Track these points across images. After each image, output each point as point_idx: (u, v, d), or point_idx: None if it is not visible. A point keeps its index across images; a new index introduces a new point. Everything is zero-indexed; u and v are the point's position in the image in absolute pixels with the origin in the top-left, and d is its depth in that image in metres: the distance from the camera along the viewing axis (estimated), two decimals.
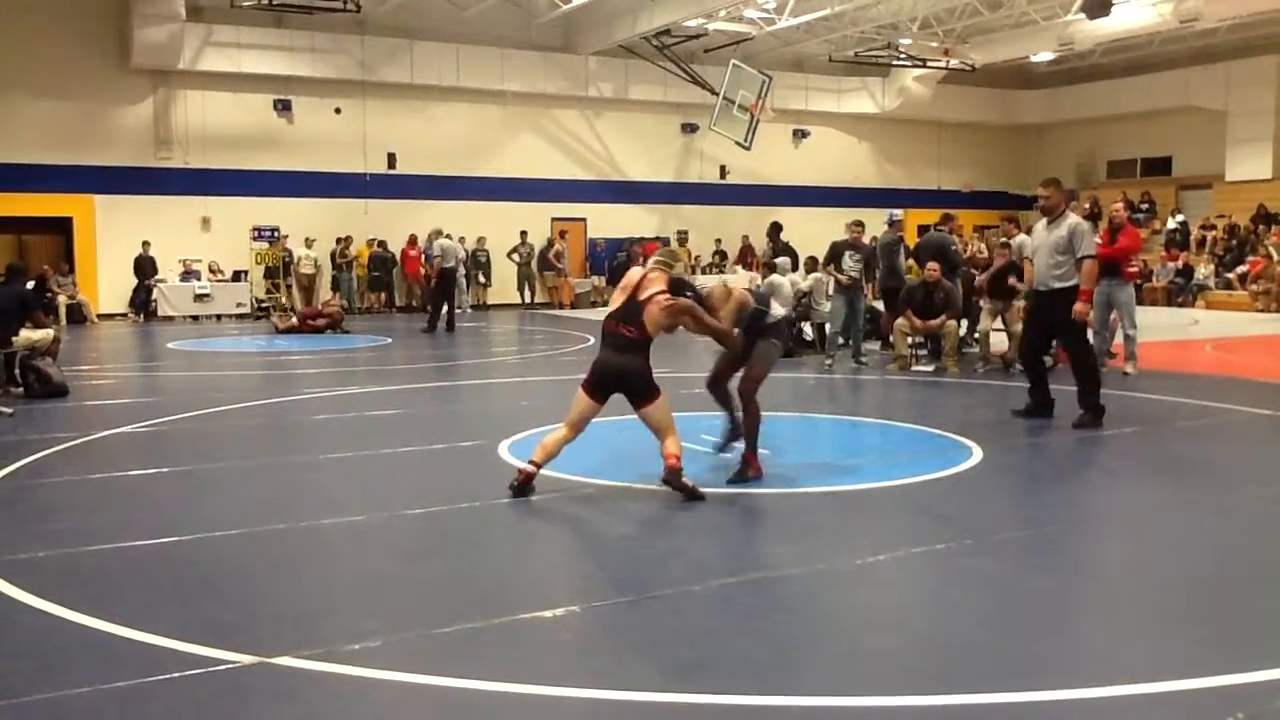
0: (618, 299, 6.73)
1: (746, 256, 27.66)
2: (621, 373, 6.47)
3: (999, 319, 12.57)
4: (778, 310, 7.20)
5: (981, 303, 13.03)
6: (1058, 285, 8.86)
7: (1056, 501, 6.64)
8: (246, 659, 3.96)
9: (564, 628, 4.42)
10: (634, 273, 6.78)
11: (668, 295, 6.51)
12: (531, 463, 6.58)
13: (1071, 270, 8.82)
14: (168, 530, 5.79)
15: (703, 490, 6.44)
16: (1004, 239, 13.28)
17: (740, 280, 12.04)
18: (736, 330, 6.85)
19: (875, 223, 16.34)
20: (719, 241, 28.77)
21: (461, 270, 25.19)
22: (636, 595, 4.78)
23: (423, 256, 24.08)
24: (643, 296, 6.52)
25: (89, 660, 4.02)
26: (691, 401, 9.96)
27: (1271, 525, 6.15)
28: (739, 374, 7.12)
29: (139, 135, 23.27)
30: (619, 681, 3.82)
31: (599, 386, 6.54)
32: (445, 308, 19.39)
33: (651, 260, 6.98)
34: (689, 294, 6.69)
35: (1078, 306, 8.78)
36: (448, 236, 20.93)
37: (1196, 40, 27.52)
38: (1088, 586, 5.01)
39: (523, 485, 6.51)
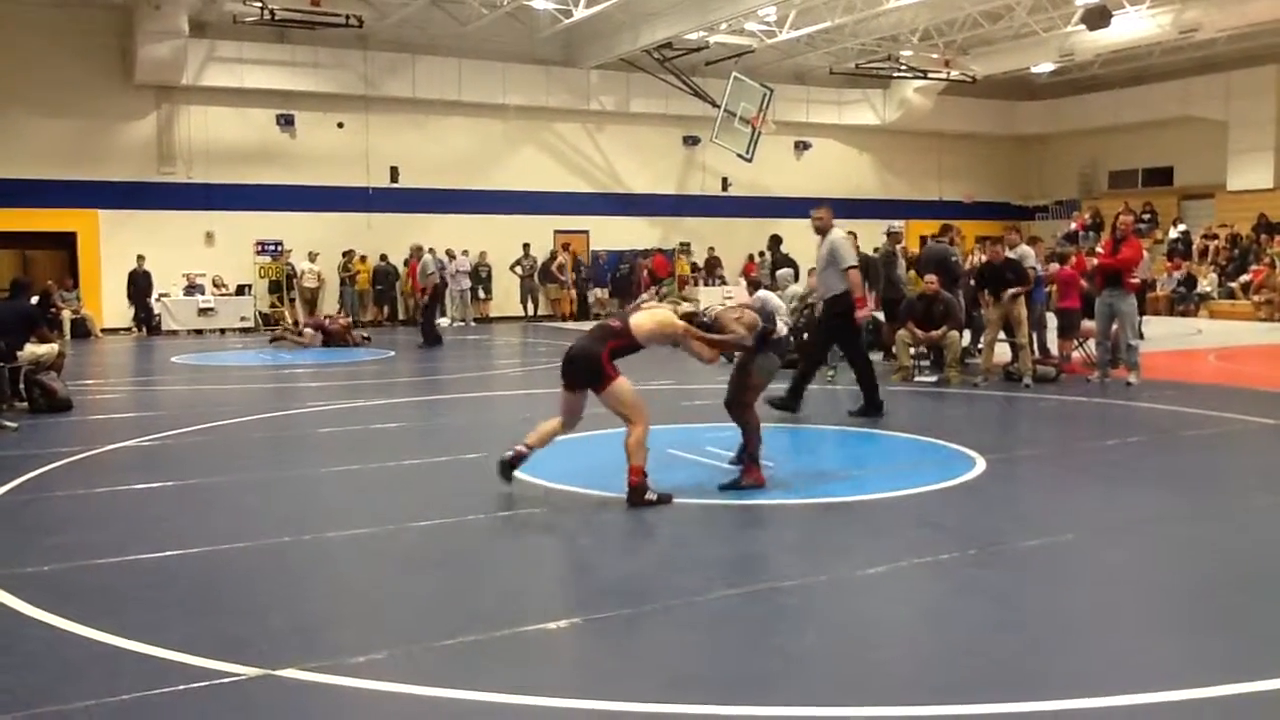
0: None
1: (714, 270, 27.80)
2: (573, 357, 6.75)
3: (1002, 330, 12.53)
4: (781, 327, 7.39)
5: (983, 311, 12.99)
6: (829, 295, 9.87)
7: (1060, 512, 6.65)
8: (252, 671, 3.97)
9: (566, 639, 4.44)
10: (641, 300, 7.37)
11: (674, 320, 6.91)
12: (526, 445, 6.79)
13: (837, 281, 9.83)
14: (173, 544, 5.81)
15: (672, 496, 6.67)
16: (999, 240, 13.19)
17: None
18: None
19: (876, 234, 16.35)
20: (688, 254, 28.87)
21: (466, 284, 25.40)
22: (638, 607, 4.79)
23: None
24: (636, 307, 7.05)
25: (95, 673, 4.04)
26: (692, 413, 10.00)
27: (1273, 533, 6.15)
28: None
29: (143, 150, 23.38)
30: (621, 693, 3.82)
31: (563, 373, 6.85)
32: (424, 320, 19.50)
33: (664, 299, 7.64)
34: (704, 319, 7.08)
35: (859, 312, 9.85)
36: (430, 252, 20.97)
37: (1196, 51, 27.57)
38: (1091, 596, 5.01)
39: (512, 462, 6.73)
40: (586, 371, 6.66)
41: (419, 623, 4.67)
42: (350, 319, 22.09)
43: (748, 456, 7.12)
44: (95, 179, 22.76)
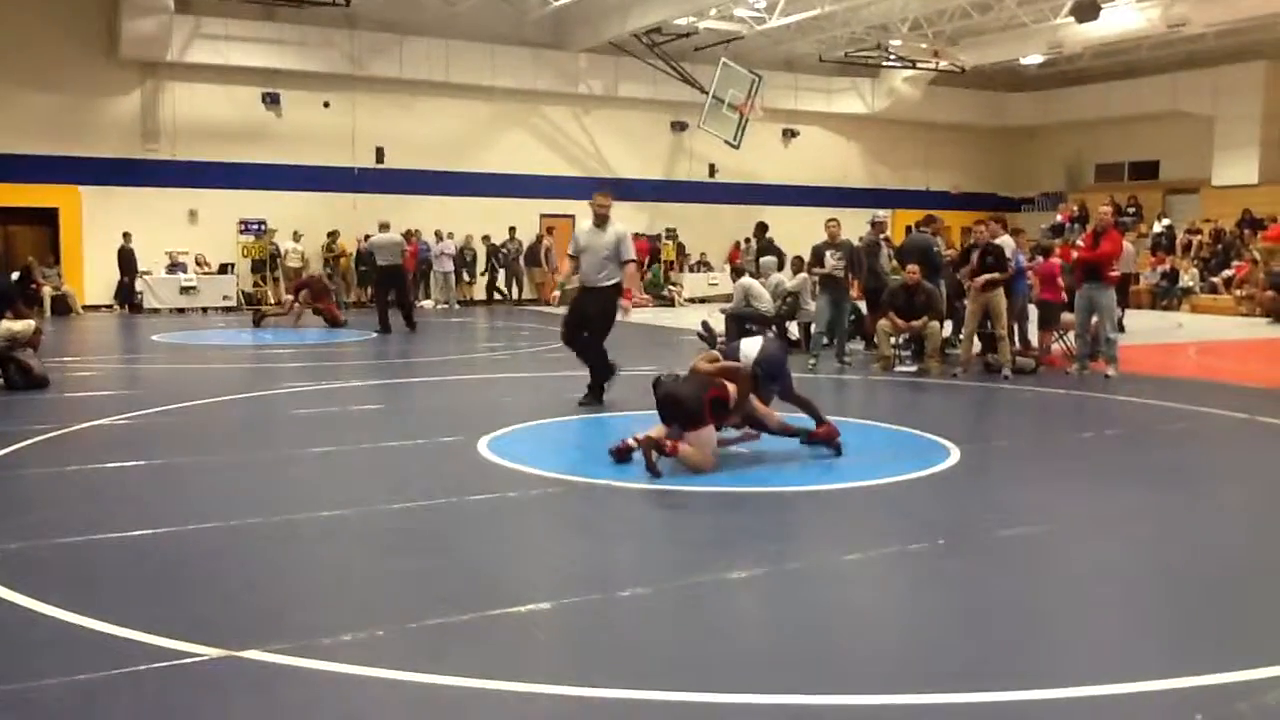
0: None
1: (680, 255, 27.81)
2: (672, 399, 7.24)
3: (983, 321, 12.53)
4: (748, 353, 7.75)
5: (965, 301, 12.96)
6: (603, 284, 9.81)
7: (1032, 503, 6.67)
8: (214, 652, 3.95)
9: (534, 624, 4.43)
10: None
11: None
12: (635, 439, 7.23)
13: (615, 271, 9.84)
14: (143, 523, 5.78)
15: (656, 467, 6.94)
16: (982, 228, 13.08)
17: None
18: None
19: (862, 223, 16.33)
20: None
21: (449, 266, 25.28)
22: (608, 592, 4.78)
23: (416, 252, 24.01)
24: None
25: (58, 653, 4.01)
26: None
27: (1244, 528, 6.19)
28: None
29: (126, 127, 23.20)
30: (587, 678, 3.82)
31: (661, 413, 7.28)
32: (384, 305, 18.32)
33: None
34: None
35: (621, 301, 9.85)
36: (385, 229, 19.65)
37: (1185, 45, 27.64)
38: (1060, 587, 5.03)
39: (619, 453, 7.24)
40: (685, 414, 7.04)
41: (387, 605, 4.65)
42: (332, 286, 21.67)
43: (810, 432, 7.84)
44: (78, 155, 22.57)
